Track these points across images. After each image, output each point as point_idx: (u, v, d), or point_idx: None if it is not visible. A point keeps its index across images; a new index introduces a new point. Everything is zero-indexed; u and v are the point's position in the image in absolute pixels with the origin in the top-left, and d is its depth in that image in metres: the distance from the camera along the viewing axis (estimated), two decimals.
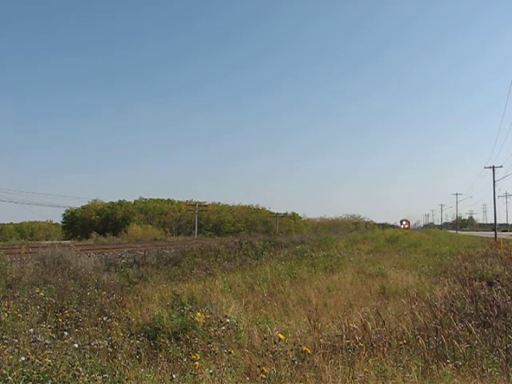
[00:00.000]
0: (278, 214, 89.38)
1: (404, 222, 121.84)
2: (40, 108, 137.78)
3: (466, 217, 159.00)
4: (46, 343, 4.90)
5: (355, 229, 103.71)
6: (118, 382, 4.24)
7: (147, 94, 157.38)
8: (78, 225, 71.83)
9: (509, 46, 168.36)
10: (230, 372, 4.56)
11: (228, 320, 6.27)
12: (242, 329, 6.47)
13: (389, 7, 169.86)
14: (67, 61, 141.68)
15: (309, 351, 5.06)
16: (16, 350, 4.54)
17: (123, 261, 16.56)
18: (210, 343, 5.53)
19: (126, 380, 4.31)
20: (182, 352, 5.43)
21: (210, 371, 4.40)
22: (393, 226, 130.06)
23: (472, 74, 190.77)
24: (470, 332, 6.13)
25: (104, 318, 6.93)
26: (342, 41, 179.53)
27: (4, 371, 3.87)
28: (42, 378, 3.95)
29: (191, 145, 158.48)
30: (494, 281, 10.34)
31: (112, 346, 5.48)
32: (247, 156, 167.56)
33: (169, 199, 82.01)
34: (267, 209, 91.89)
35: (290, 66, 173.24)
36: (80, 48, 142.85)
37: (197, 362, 4.52)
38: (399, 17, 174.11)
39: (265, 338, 5.55)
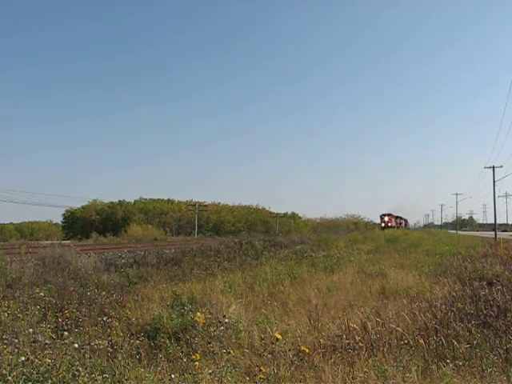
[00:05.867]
0: (278, 214, 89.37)
1: (387, 219, 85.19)
2: (41, 109, 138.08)
3: (466, 217, 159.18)
4: (46, 343, 4.90)
5: (355, 229, 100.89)
6: (118, 382, 4.24)
7: (148, 96, 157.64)
8: (78, 225, 71.76)
9: (509, 49, 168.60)
10: (230, 372, 4.56)
11: (227, 320, 6.27)
12: (241, 329, 6.47)
13: (391, 10, 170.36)
14: (68, 63, 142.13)
15: (307, 351, 5.05)
16: (16, 350, 4.54)
17: (123, 261, 16.56)
18: (209, 343, 5.53)
19: (126, 380, 4.31)
20: (182, 352, 5.42)
21: (210, 371, 4.39)
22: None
23: (474, 75, 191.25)
24: (470, 332, 6.13)
25: (104, 318, 6.92)
26: (346, 41, 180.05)
27: (4, 371, 3.87)
28: (41, 378, 3.95)
29: (192, 146, 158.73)
30: (494, 281, 10.34)
31: (112, 346, 5.47)
32: (248, 156, 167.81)
33: (169, 199, 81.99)
34: (267, 209, 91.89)
35: (289, 69, 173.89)
36: (81, 50, 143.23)
37: (197, 362, 4.51)
38: (401, 18, 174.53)
39: (263, 339, 5.55)
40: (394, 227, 79.35)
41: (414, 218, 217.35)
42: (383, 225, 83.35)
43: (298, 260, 17.52)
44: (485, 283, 9.82)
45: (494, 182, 44.99)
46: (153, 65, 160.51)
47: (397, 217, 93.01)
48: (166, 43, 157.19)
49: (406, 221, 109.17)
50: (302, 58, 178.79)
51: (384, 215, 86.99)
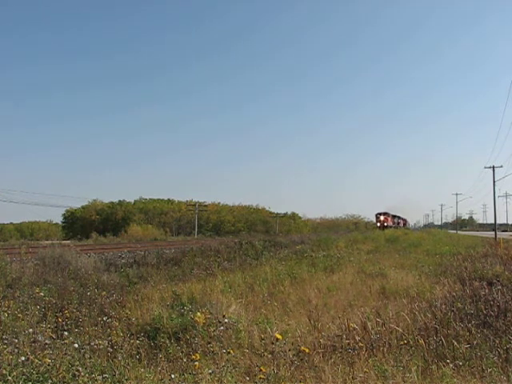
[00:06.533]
0: (278, 214, 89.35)
1: (382, 218, 77.66)
2: (41, 109, 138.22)
3: (466, 217, 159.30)
4: (46, 343, 4.90)
5: (355, 229, 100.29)
6: (118, 382, 4.24)
7: (148, 96, 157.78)
8: (78, 225, 71.78)
9: (509, 49, 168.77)
10: (230, 372, 4.56)
11: (226, 320, 6.27)
12: (241, 329, 6.47)
13: (391, 10, 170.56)
14: (68, 63, 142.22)
15: (307, 351, 5.05)
16: (16, 350, 4.54)
17: (123, 261, 16.55)
18: (209, 343, 5.53)
19: (126, 380, 4.31)
20: (182, 352, 5.43)
21: (210, 371, 4.39)
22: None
23: (474, 75, 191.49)
24: (470, 332, 6.13)
25: (104, 318, 6.92)
26: (346, 41, 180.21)
27: (4, 371, 3.87)
28: (41, 378, 3.95)
29: (192, 146, 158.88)
30: (494, 281, 10.34)
31: (112, 346, 5.47)
32: (248, 156, 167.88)
33: (169, 199, 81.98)
34: (267, 209, 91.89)
35: (289, 69, 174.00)
36: (81, 50, 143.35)
37: (197, 362, 4.51)
38: (401, 18, 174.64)
39: (263, 339, 5.54)
40: (390, 227, 73.17)
41: (414, 218, 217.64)
42: (379, 224, 76.51)
43: (298, 260, 17.51)
44: (485, 283, 9.82)
45: (494, 182, 45.03)
46: (153, 65, 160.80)
47: (394, 216, 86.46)
48: (166, 43, 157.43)
49: (405, 220, 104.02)
50: (302, 58, 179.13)
51: (380, 214, 79.47)
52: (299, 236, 49.47)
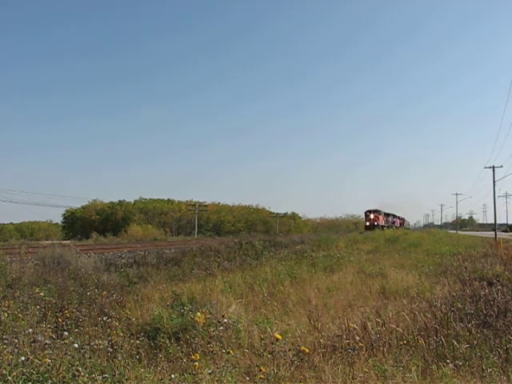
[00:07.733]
0: (278, 214, 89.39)
1: (372, 216, 66.92)
2: (41, 109, 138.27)
3: (466, 217, 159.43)
4: (46, 343, 4.90)
5: (355, 229, 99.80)
6: (118, 382, 4.24)
7: (148, 96, 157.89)
8: (78, 225, 71.89)
9: (509, 49, 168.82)
10: (230, 372, 4.56)
11: (226, 320, 6.27)
12: (241, 329, 6.47)
13: (391, 10, 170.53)
14: (68, 63, 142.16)
15: (307, 351, 5.05)
16: (16, 350, 4.53)
17: (123, 261, 16.54)
18: (209, 343, 5.52)
19: (126, 380, 4.31)
20: (181, 352, 5.42)
21: (210, 371, 4.39)
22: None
23: (474, 75, 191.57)
24: (470, 332, 6.13)
25: (104, 318, 6.91)
26: (346, 41, 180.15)
27: (4, 371, 3.87)
28: (41, 378, 3.95)
29: (192, 146, 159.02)
30: (494, 281, 10.34)
31: (112, 346, 5.47)
32: (248, 156, 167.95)
33: (169, 199, 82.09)
34: (267, 209, 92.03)
35: (289, 69, 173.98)
36: (81, 50, 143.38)
37: (196, 362, 4.51)
38: (401, 18, 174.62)
39: (263, 339, 5.54)
40: (383, 226, 64.57)
41: (414, 218, 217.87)
42: (368, 223, 66.07)
43: (298, 260, 17.49)
44: (485, 283, 9.82)
45: (493, 181, 45.03)
46: (153, 65, 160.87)
47: (388, 214, 76.06)
48: (166, 43, 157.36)
49: (402, 220, 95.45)
50: (302, 58, 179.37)
51: (369, 212, 68.17)
52: (299, 236, 49.40)
